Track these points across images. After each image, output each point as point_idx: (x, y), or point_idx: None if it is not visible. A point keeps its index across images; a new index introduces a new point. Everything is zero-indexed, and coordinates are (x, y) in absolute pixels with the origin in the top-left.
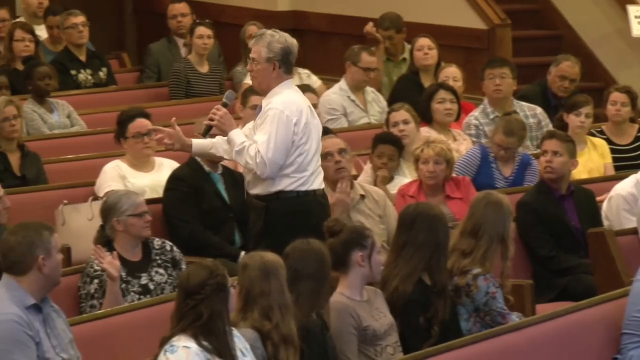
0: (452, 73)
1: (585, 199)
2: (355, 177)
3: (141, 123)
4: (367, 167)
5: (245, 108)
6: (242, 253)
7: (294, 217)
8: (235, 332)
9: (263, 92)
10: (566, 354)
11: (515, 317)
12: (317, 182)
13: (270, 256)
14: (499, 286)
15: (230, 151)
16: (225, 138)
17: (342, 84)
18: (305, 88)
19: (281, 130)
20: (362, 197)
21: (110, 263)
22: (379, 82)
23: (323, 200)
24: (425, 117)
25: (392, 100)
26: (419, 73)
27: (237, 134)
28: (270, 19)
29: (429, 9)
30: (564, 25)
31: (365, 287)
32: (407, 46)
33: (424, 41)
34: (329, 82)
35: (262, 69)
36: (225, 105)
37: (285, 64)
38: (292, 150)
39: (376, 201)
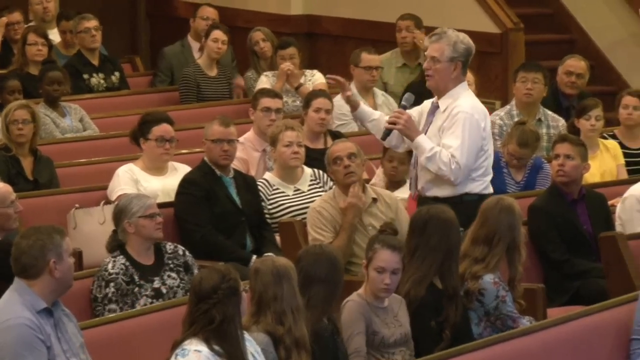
0: None
1: (597, 203)
2: (368, 180)
3: (166, 128)
4: (379, 171)
5: (255, 111)
6: (254, 257)
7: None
8: (246, 335)
9: (439, 92)
10: (578, 358)
11: (526, 321)
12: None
13: (282, 260)
14: (508, 290)
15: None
16: (386, 118)
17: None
18: (319, 94)
19: (473, 134)
20: (375, 200)
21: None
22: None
23: None
24: None
25: None
26: None
27: (425, 140)
28: (284, 23)
29: (442, 13)
30: (577, 29)
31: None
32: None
33: None
34: None
35: (442, 68)
36: (404, 107)
37: (465, 66)
38: (480, 154)
39: (388, 204)
